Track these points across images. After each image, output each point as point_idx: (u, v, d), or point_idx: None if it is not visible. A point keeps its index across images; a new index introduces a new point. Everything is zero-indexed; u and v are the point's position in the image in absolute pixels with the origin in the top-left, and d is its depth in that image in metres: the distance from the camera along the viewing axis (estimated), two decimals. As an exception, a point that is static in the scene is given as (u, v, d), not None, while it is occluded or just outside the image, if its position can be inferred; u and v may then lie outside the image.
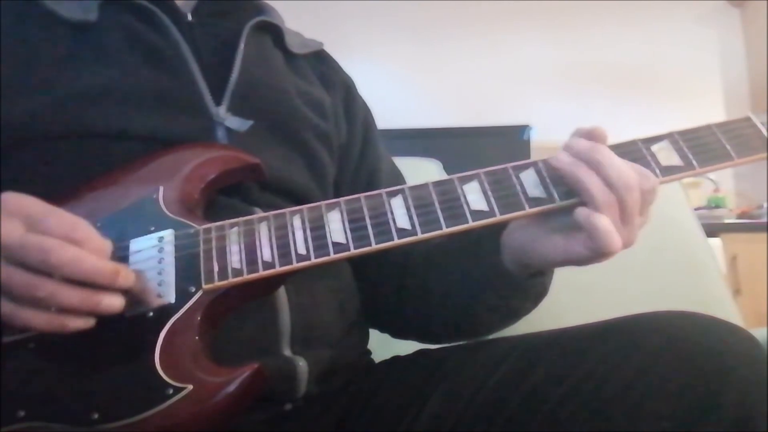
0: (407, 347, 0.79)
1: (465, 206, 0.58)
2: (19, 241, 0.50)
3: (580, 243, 0.56)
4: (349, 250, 0.57)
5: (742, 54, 3.29)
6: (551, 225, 0.59)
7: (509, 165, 0.60)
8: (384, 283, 0.79)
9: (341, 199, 0.60)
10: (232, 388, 0.53)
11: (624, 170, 0.56)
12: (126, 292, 0.54)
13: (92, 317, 0.52)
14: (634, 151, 0.60)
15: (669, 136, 0.61)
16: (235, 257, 0.57)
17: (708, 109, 3.04)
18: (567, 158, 0.57)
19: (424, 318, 0.77)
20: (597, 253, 0.55)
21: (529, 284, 0.66)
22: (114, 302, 0.52)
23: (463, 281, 0.70)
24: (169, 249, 0.58)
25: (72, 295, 0.50)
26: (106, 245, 0.54)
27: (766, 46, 2.96)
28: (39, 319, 0.51)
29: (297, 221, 0.59)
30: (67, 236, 0.51)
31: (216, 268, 0.57)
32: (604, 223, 0.54)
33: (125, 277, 0.53)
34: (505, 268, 0.65)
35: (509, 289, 0.67)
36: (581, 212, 0.55)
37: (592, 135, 0.59)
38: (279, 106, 0.75)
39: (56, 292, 0.50)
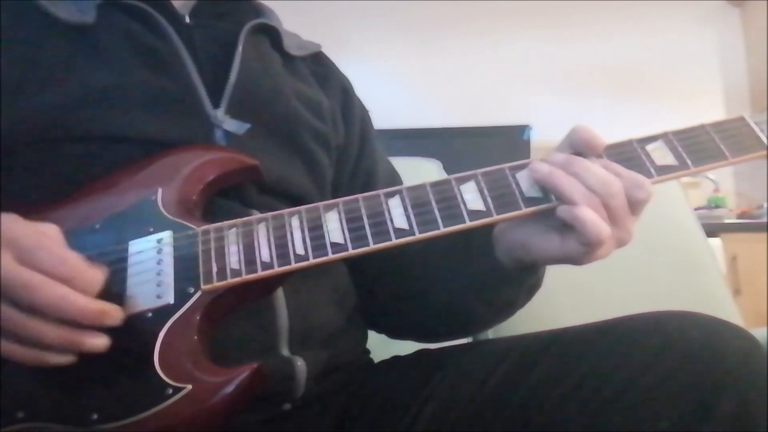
0: (407, 347, 0.79)
1: (462, 206, 0.58)
2: (7, 275, 0.49)
3: (575, 239, 0.56)
4: (347, 250, 0.57)
5: (742, 54, 3.30)
6: (547, 223, 0.60)
7: (506, 165, 0.60)
8: (379, 283, 0.79)
9: (339, 199, 0.60)
10: (230, 388, 0.53)
11: (604, 177, 0.56)
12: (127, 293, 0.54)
13: (74, 355, 0.52)
14: (629, 150, 0.61)
15: (663, 136, 0.62)
16: (234, 258, 0.57)
17: (708, 109, 3.04)
18: (545, 168, 0.58)
19: (419, 316, 0.77)
20: (589, 245, 0.55)
21: (523, 277, 0.66)
22: (97, 343, 0.51)
23: (456, 276, 0.70)
24: (168, 250, 0.58)
25: (55, 335, 0.50)
26: (96, 279, 0.53)
27: (766, 46, 2.96)
28: (19, 353, 0.51)
29: (295, 222, 0.59)
30: (56, 272, 0.50)
31: (215, 269, 0.57)
32: (588, 214, 0.55)
33: (111, 317, 0.52)
34: (498, 262, 0.65)
35: (503, 282, 0.67)
36: (563, 209, 0.56)
37: (589, 142, 0.59)
38: (277, 108, 0.75)
39: (40, 332, 0.50)
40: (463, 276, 0.69)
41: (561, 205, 0.56)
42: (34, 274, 0.50)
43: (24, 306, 0.49)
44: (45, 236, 0.53)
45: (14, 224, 0.52)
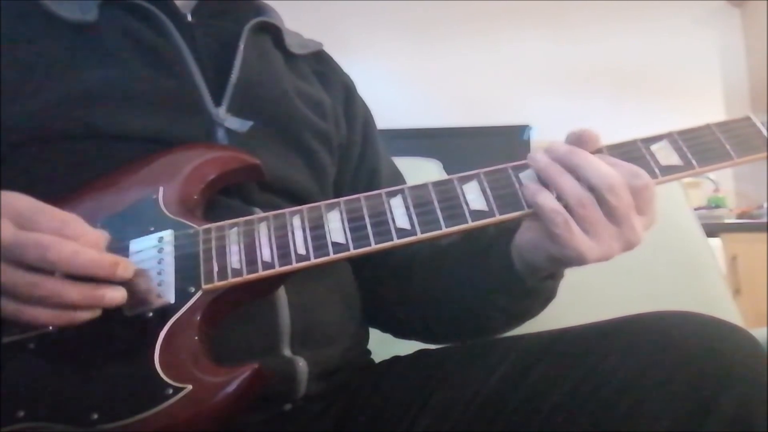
0: (407, 347, 0.79)
1: (464, 206, 0.58)
2: (14, 239, 0.50)
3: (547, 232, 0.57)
4: (348, 250, 0.57)
5: (742, 54, 3.30)
6: None
7: (509, 165, 0.60)
8: (387, 283, 0.78)
9: (341, 199, 0.60)
10: (231, 388, 0.53)
11: (604, 171, 0.56)
12: (127, 291, 0.54)
13: (98, 309, 0.52)
14: (633, 150, 0.60)
15: (668, 136, 0.61)
16: (235, 257, 0.57)
17: (708, 109, 3.04)
18: (544, 159, 0.58)
19: (428, 318, 0.77)
20: (554, 236, 0.55)
21: (539, 288, 0.66)
22: (116, 295, 0.52)
23: (473, 283, 0.69)
24: (169, 249, 0.58)
25: (75, 292, 0.51)
26: (101, 237, 0.54)
27: (766, 46, 2.96)
28: (46, 316, 0.51)
29: (297, 221, 0.59)
30: (60, 232, 0.51)
31: (215, 269, 0.57)
32: (546, 199, 0.55)
33: (124, 268, 0.53)
34: (517, 272, 0.65)
35: (519, 292, 0.66)
36: (526, 193, 0.57)
37: (582, 138, 0.59)
38: (279, 106, 0.75)
39: (59, 290, 0.50)
40: (481, 283, 0.69)
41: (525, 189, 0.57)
42: (43, 234, 0.50)
43: (37, 266, 0.50)
44: (42, 204, 0.53)
45: (9, 195, 0.53)
